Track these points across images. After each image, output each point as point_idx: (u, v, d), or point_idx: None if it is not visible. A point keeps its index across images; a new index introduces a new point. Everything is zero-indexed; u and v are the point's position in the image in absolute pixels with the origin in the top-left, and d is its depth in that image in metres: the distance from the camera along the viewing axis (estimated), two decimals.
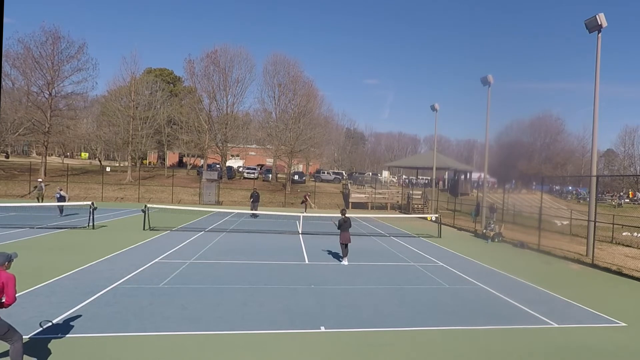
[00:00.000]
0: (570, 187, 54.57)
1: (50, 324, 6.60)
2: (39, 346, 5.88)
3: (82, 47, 40.14)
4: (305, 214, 24.93)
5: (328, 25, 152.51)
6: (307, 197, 31.89)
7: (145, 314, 7.63)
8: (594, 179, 16.45)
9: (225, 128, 43.99)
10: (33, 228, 17.63)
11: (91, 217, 18.22)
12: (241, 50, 44.74)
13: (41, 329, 6.56)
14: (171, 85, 60.82)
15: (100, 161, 64.31)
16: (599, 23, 15.71)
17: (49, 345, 5.99)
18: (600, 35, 16.01)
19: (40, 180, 30.25)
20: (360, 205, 38.17)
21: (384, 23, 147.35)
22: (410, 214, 34.27)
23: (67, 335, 6.33)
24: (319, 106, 47.15)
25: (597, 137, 16.55)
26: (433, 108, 33.08)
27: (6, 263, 5.30)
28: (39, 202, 26.55)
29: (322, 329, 7.29)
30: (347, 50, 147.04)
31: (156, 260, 12.27)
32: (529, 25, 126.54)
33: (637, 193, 57.60)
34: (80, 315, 7.32)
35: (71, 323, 6.92)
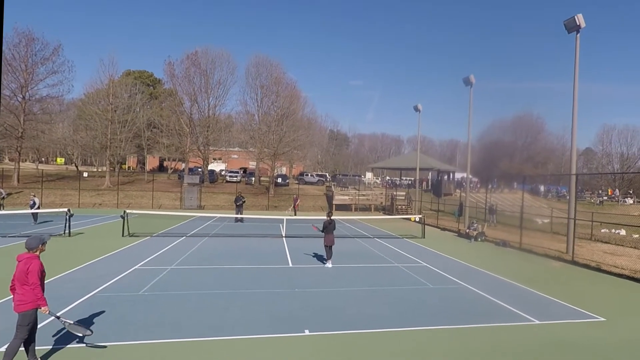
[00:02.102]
0: (549, 187, 55.60)
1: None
2: None
3: (57, 48, 38.92)
4: (294, 217, 25.50)
5: (312, 26, 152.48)
6: (297, 200, 32.60)
7: (124, 322, 7.38)
8: (573, 177, 16.75)
9: (207, 131, 43.44)
10: (5, 237, 16.97)
11: (67, 224, 17.66)
12: (222, 51, 44.35)
13: None
14: (151, 87, 59.79)
15: (77, 166, 62.64)
16: (578, 24, 16.06)
17: None
18: (578, 35, 16.34)
19: None
20: (344, 207, 38.13)
21: (369, 24, 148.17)
22: (394, 215, 34.43)
23: (40, 347, 6.01)
24: (302, 108, 47.08)
25: (576, 136, 16.82)
26: (416, 109, 33.39)
27: (40, 246, 5.61)
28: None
29: (306, 332, 7.17)
30: (330, 51, 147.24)
31: (136, 267, 11.94)
32: (511, 25, 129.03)
33: (616, 190, 59.23)
34: (54, 326, 7.01)
35: (45, 335, 6.61)
